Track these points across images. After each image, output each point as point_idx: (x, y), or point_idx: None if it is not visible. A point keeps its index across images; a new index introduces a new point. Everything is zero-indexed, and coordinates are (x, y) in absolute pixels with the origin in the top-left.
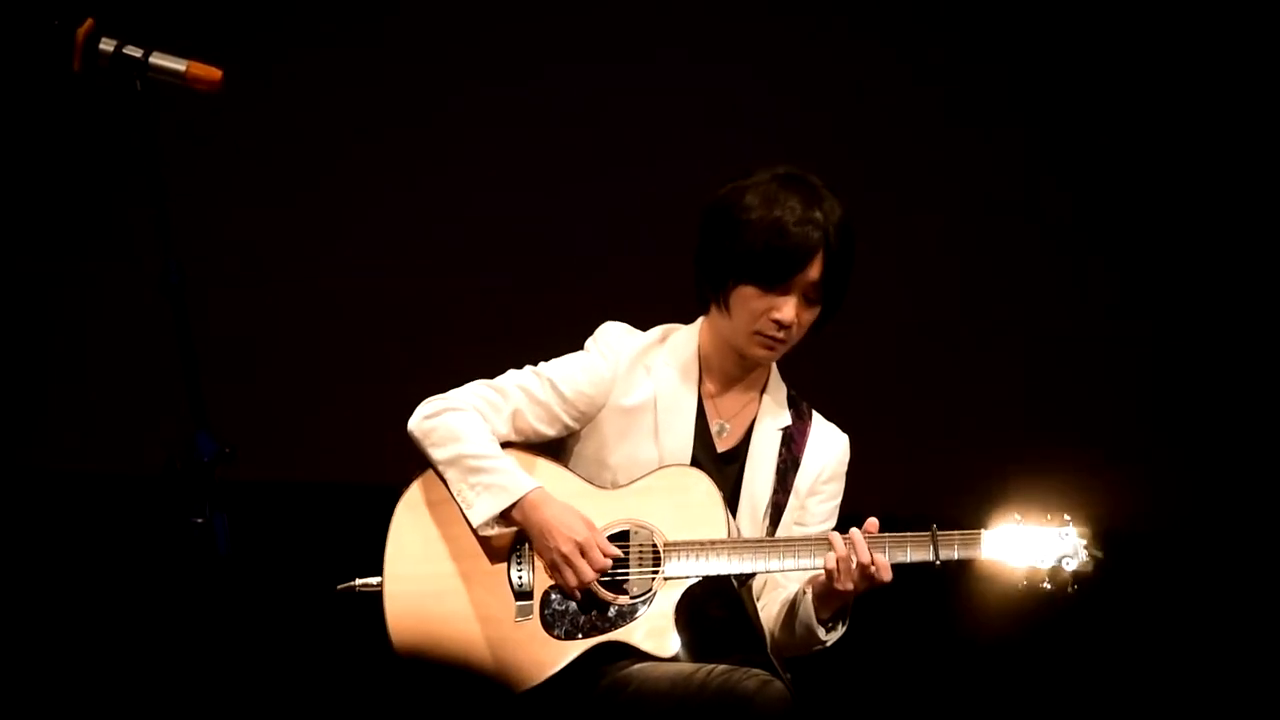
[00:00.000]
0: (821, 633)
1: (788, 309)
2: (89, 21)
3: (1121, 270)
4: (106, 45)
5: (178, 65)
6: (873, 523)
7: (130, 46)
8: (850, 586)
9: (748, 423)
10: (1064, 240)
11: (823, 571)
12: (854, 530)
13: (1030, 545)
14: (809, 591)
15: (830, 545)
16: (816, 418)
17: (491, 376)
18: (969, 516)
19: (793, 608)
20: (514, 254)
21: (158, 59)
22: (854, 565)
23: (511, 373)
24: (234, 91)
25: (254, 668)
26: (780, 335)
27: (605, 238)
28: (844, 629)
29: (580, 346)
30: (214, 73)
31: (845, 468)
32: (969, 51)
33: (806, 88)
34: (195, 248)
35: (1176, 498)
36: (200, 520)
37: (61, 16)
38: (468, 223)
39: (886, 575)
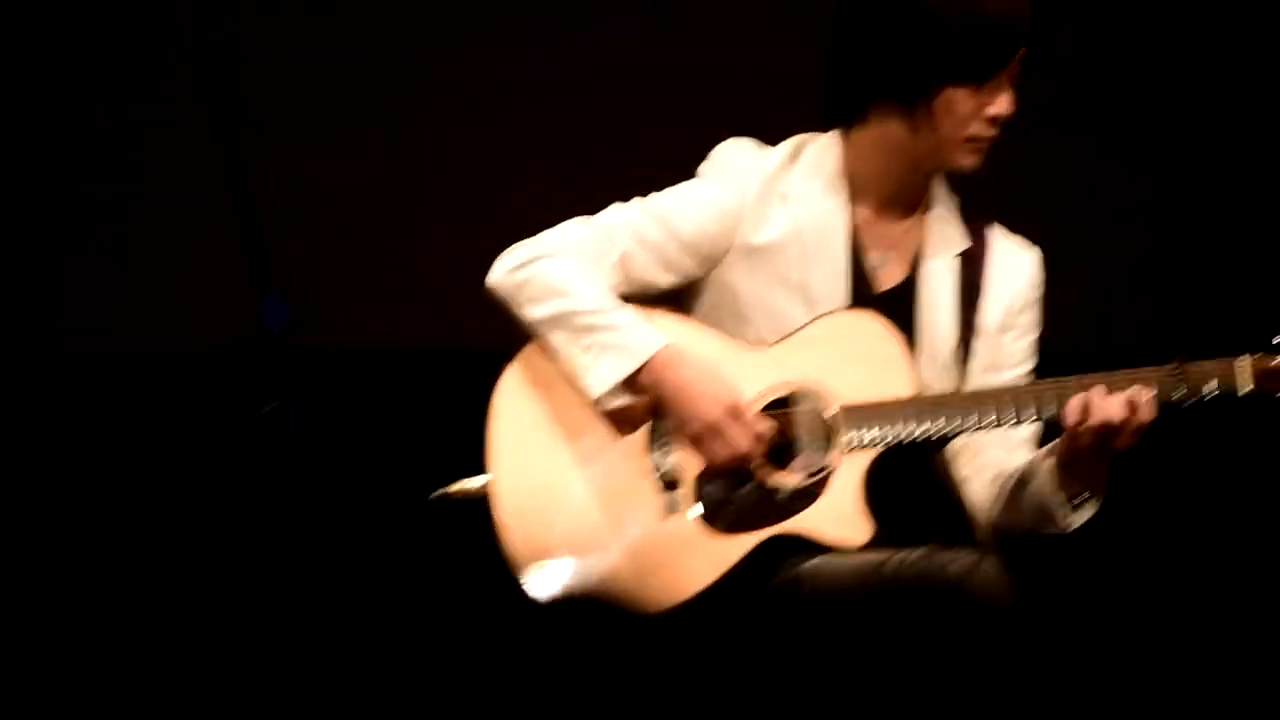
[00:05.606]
0: (1063, 515)
1: (1006, 99)
2: None
3: None
4: None
5: None
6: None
7: None
8: (1101, 448)
9: (912, 252)
10: None
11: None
12: (1086, 378)
13: None
14: (1048, 462)
15: (1057, 394)
16: (999, 232)
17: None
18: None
19: (1022, 481)
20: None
21: None
22: (1097, 423)
23: (615, 208)
24: None
25: (330, 570)
26: (995, 132)
27: None
28: (1095, 508)
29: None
30: None
31: (1040, 291)
32: None
33: None
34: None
35: None
36: (273, 407)
37: None
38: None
39: (1148, 414)
